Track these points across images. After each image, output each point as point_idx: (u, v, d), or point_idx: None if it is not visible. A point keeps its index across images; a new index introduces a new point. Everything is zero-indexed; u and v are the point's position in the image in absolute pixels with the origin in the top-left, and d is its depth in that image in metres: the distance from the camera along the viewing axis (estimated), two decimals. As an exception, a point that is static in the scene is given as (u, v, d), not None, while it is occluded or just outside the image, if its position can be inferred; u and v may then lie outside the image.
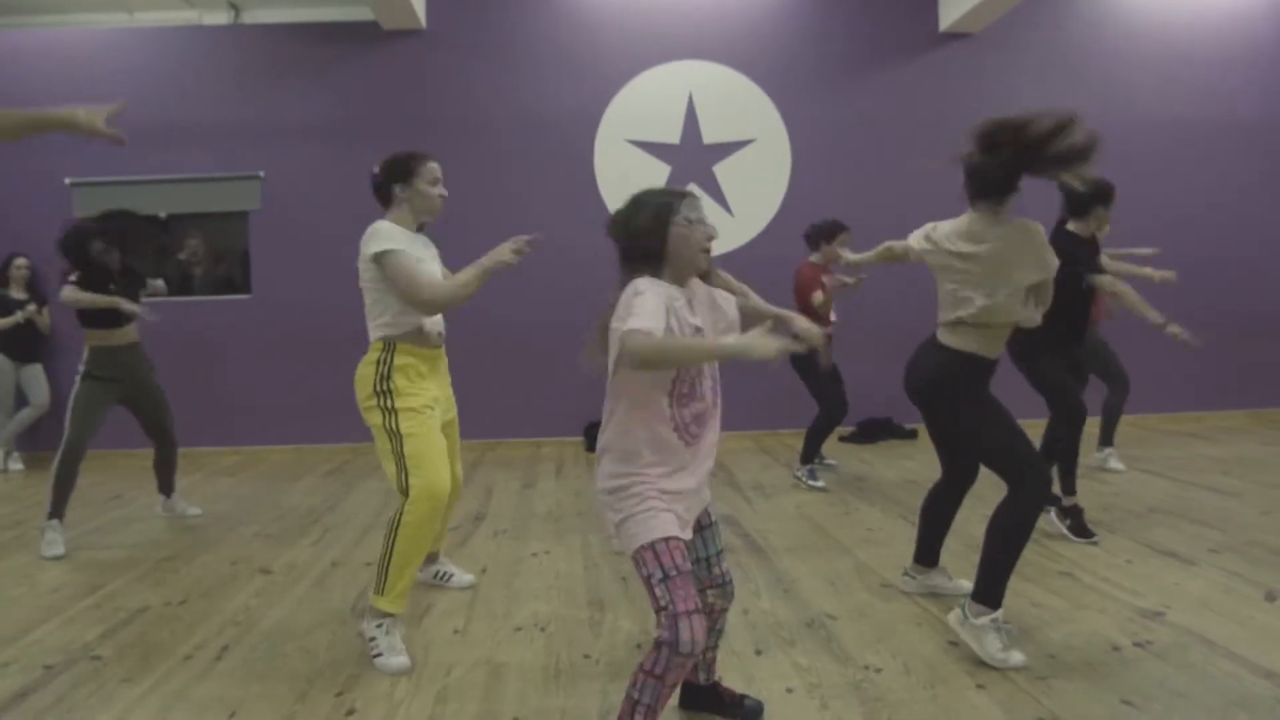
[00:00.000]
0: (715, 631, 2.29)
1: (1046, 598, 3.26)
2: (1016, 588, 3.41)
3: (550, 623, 3.17)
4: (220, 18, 7.58)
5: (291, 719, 2.47)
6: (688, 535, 2.01)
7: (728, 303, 2.20)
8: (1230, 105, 7.70)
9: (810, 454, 5.29)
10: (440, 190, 3.07)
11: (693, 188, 7.34)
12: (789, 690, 2.57)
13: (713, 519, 2.18)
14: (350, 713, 2.50)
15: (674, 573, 1.89)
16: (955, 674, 2.65)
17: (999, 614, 2.73)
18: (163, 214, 7.48)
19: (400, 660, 2.78)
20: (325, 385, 6.82)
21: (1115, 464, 5.50)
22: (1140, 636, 2.87)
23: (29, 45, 7.33)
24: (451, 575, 3.56)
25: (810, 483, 5.25)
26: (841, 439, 6.93)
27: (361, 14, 7.28)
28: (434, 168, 3.06)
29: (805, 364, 5.12)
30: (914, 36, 7.53)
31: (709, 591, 2.15)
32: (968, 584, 3.03)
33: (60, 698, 2.64)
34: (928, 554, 3.33)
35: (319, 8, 7.54)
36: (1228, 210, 7.70)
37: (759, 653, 2.86)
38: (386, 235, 2.89)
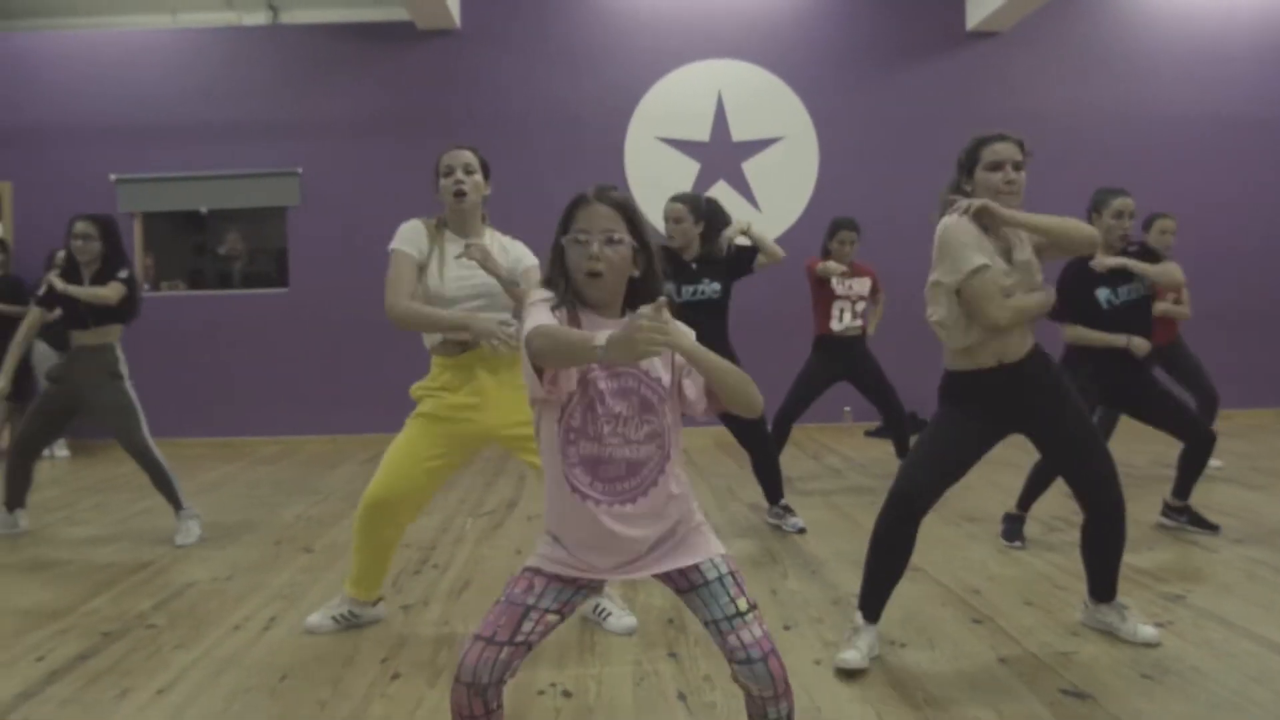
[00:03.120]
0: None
1: (1071, 581, 3.33)
2: (1042, 569, 3.49)
3: (586, 599, 3.26)
4: (259, 18, 7.77)
5: (339, 681, 2.58)
6: (597, 574, 1.71)
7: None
8: (1261, 102, 7.70)
9: (903, 450, 5.22)
10: (449, 181, 2.83)
11: (721, 184, 7.50)
12: (816, 662, 2.66)
13: (706, 577, 1.70)
14: (395, 677, 2.61)
15: (503, 599, 1.65)
16: (979, 649, 2.73)
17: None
18: (203, 209, 7.69)
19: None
20: (362, 377, 7.00)
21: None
22: (1161, 617, 2.93)
23: (75, 46, 7.55)
24: (609, 615, 2.98)
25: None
26: (868, 433, 6.99)
27: (397, 14, 7.44)
28: (446, 159, 2.86)
29: (864, 372, 5.17)
30: (941, 35, 7.59)
31: (732, 665, 1.66)
32: (1149, 630, 2.75)
33: (118, 661, 2.77)
34: (1094, 587, 2.86)
35: (355, 8, 7.71)
36: (1258, 206, 7.70)
37: (787, 628, 2.95)
38: (400, 232, 2.83)
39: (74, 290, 4.13)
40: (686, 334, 1.65)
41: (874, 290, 5.20)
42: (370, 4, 7.67)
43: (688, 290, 4.08)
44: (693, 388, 1.72)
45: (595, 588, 1.78)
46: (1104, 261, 3.77)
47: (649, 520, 1.69)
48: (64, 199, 7.36)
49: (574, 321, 1.67)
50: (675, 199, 4.18)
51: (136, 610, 3.26)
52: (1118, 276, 3.78)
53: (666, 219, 4.15)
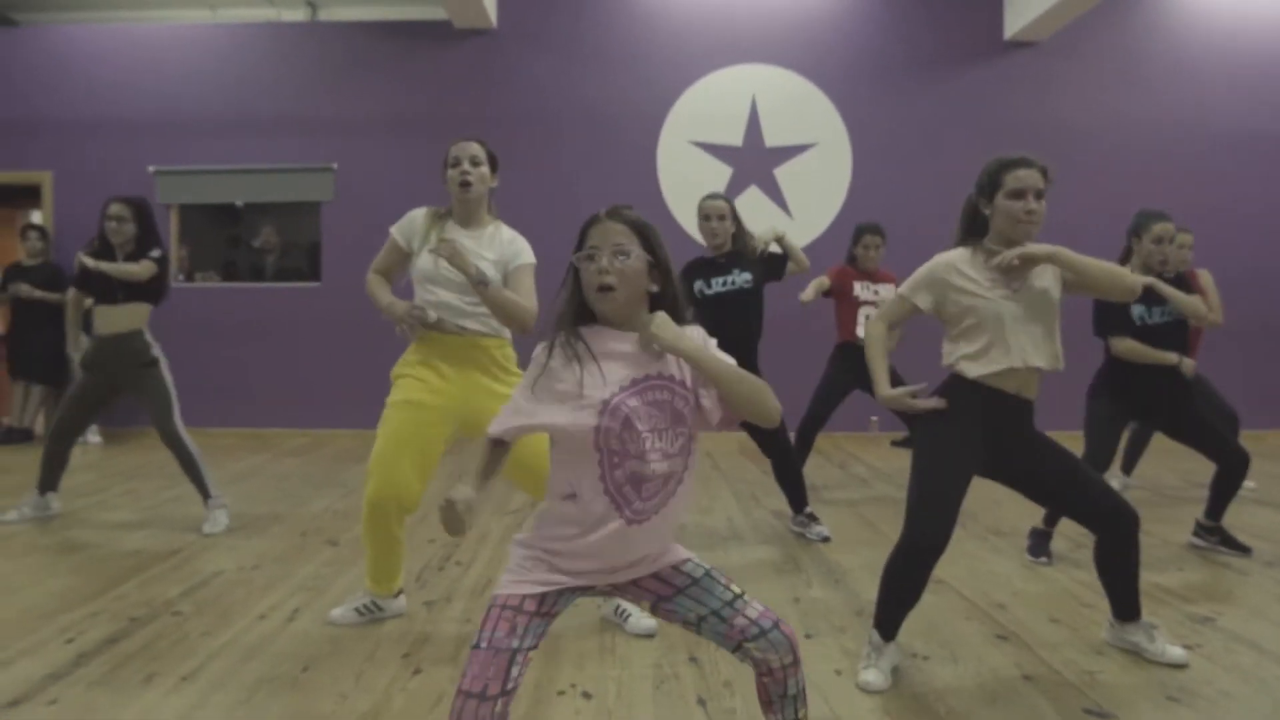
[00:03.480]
0: (784, 699, 1.72)
1: (1097, 599, 3.29)
2: (1069, 587, 3.45)
3: (606, 601, 3.27)
4: (298, 15, 7.85)
5: (361, 675, 2.60)
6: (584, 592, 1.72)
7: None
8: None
9: None
10: (455, 172, 2.91)
11: (753, 189, 7.49)
12: (837, 672, 2.65)
13: (693, 576, 1.72)
14: (417, 672, 2.63)
15: (484, 644, 1.57)
16: (1003, 665, 2.71)
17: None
18: (239, 202, 7.78)
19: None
20: (390, 373, 7.04)
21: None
22: (1190, 639, 2.89)
23: (116, 39, 7.66)
24: (630, 616, 3.00)
25: None
26: (894, 443, 6.95)
27: (434, 13, 7.49)
28: (454, 150, 2.94)
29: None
30: (978, 44, 7.53)
31: (746, 646, 1.67)
32: (1177, 651, 2.71)
33: (146, 645, 2.81)
34: (1116, 607, 2.81)
35: (393, 6, 7.78)
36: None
37: (809, 636, 2.94)
38: (401, 220, 3.02)
39: (105, 266, 4.20)
40: (693, 338, 1.65)
41: None
42: (408, 2, 7.73)
43: (718, 282, 4.09)
44: (708, 397, 1.70)
45: (562, 608, 1.71)
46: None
47: (667, 530, 1.71)
48: (103, 190, 7.42)
49: (575, 348, 1.66)
50: (716, 196, 4.21)
51: (164, 597, 3.30)
52: (1152, 296, 3.74)
53: (709, 216, 4.14)
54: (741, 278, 4.11)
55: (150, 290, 4.33)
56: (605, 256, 1.63)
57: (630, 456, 1.62)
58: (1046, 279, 2.59)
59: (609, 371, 1.63)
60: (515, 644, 1.57)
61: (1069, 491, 2.64)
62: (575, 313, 1.70)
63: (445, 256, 2.73)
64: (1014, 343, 2.53)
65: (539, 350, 1.69)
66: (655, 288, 1.70)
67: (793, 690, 1.70)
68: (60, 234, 7.37)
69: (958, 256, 2.63)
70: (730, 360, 1.68)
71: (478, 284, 2.75)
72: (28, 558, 3.83)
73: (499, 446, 1.73)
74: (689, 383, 1.69)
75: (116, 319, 4.31)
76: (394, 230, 3.01)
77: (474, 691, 1.51)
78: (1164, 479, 5.55)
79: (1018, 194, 2.52)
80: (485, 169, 2.95)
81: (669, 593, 1.71)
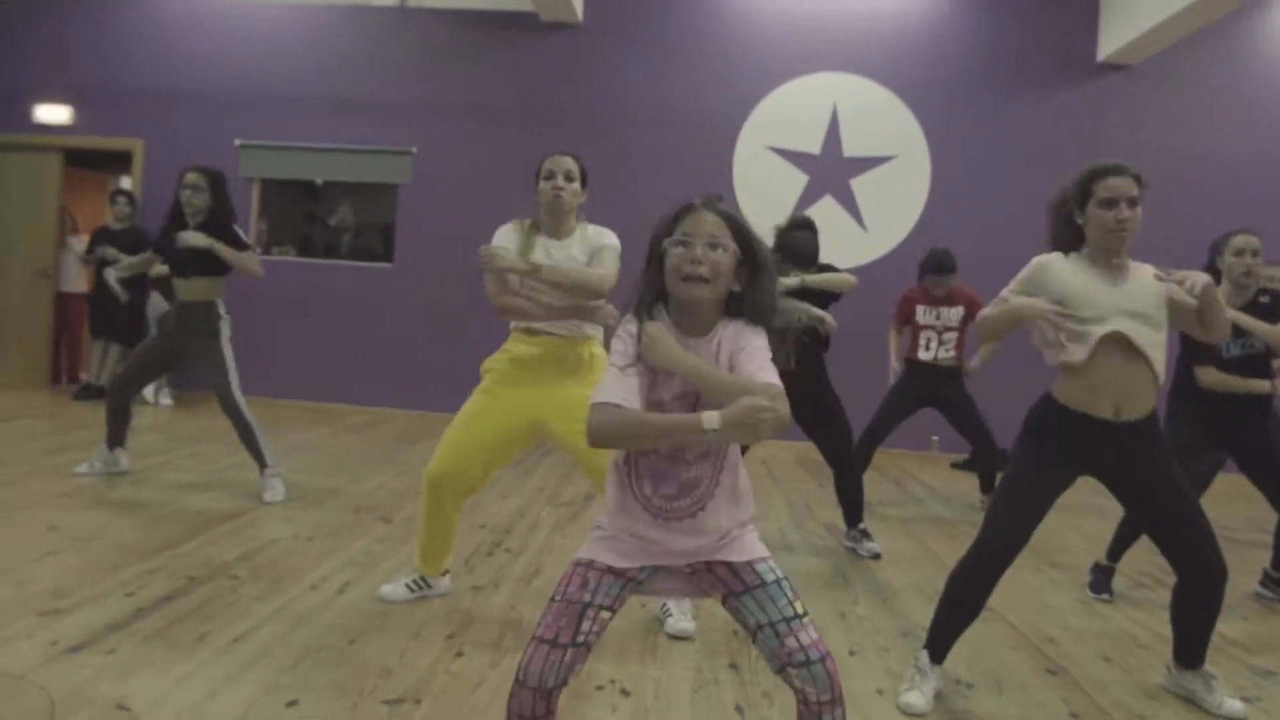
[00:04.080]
0: None
1: (1154, 640, 3.20)
2: (1125, 627, 3.36)
3: (649, 599, 3.27)
4: (389, 0, 7.98)
5: (405, 653, 2.64)
6: (631, 564, 1.69)
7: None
8: None
9: (988, 486, 5.26)
10: (549, 185, 2.96)
11: (827, 199, 7.42)
12: (879, 692, 2.61)
13: (763, 578, 1.67)
14: (459, 655, 2.66)
15: (558, 597, 1.64)
16: (1049, 699, 2.64)
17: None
18: (319, 180, 7.94)
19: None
20: (453, 357, 7.08)
21: None
22: (1249, 692, 2.79)
23: (211, 14, 7.87)
24: (670, 614, 3.02)
25: None
26: (954, 465, 6.84)
27: (522, 4, 7.54)
28: (548, 164, 2.99)
29: (954, 405, 5.12)
30: (1069, 64, 7.35)
31: (789, 670, 1.62)
32: (1235, 703, 2.61)
33: (201, 605, 2.89)
34: (1180, 651, 2.72)
35: (482, -4, 7.87)
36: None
37: (852, 653, 2.90)
38: (495, 236, 3.01)
39: (220, 250, 4.32)
40: (683, 355, 1.61)
41: (966, 319, 5.05)
42: (497, -7, 7.82)
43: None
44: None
45: (643, 581, 1.72)
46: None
47: (702, 536, 1.68)
48: (191, 159, 7.60)
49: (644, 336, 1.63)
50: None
51: (221, 559, 3.38)
52: (1234, 328, 3.62)
53: None
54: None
55: (220, 264, 4.42)
56: (700, 246, 1.62)
57: (649, 454, 1.66)
58: (1148, 288, 2.51)
59: (668, 387, 1.65)
60: (587, 598, 1.63)
61: (1167, 528, 2.56)
62: (654, 298, 1.69)
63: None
64: (1112, 324, 2.44)
65: (627, 330, 1.67)
66: (738, 287, 1.68)
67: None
68: (147, 201, 7.58)
69: (1056, 258, 2.58)
70: (772, 378, 1.60)
71: (530, 273, 2.81)
72: (95, 511, 3.96)
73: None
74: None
75: (193, 289, 4.45)
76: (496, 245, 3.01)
77: (545, 638, 1.60)
78: (1230, 523, 5.37)
79: (1110, 203, 2.46)
80: (577, 184, 3.01)
81: (739, 589, 1.68)
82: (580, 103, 7.51)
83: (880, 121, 7.44)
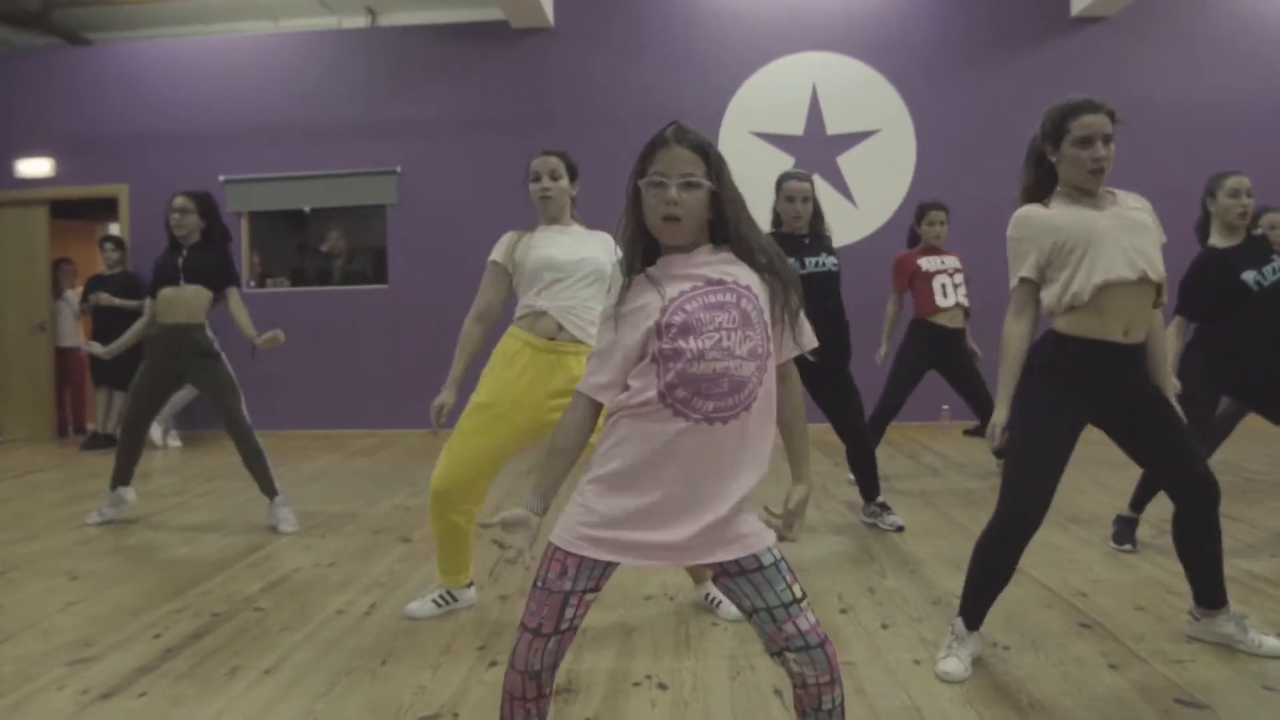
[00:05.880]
0: (818, 713, 1.64)
1: (1184, 586, 3.15)
2: (1154, 575, 3.35)
3: (679, 592, 3.26)
4: (358, 21, 7.98)
5: (438, 668, 2.63)
6: (621, 560, 1.61)
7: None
8: (1394, 87, 7.25)
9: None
10: (537, 186, 3.01)
11: (815, 179, 7.38)
12: (916, 662, 2.60)
13: (761, 561, 1.60)
14: (493, 665, 2.64)
15: (540, 584, 1.61)
16: (1087, 654, 2.63)
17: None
18: (306, 208, 7.93)
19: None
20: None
21: None
22: (1286, 627, 2.78)
23: (184, 53, 7.89)
24: (720, 603, 3.05)
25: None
26: (966, 432, 6.81)
27: (492, 14, 7.54)
28: (534, 165, 3.03)
29: (957, 365, 5.08)
30: (1044, 21, 7.34)
31: (787, 655, 1.60)
32: (1273, 641, 2.59)
33: (228, 640, 2.87)
34: (1199, 592, 2.69)
35: (451, 9, 7.85)
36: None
37: (885, 626, 2.89)
38: (495, 248, 3.09)
39: (242, 323, 4.42)
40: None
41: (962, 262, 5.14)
42: (466, 4, 7.80)
43: (810, 261, 4.00)
44: (774, 335, 1.63)
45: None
46: None
47: (738, 449, 1.58)
48: (177, 199, 7.69)
49: (639, 283, 1.63)
50: (800, 177, 4.09)
51: (244, 593, 3.37)
52: (1260, 255, 3.58)
53: (793, 197, 4.03)
54: (829, 260, 4.05)
55: (212, 275, 4.44)
56: (674, 187, 1.58)
57: (685, 358, 1.54)
58: (1140, 215, 2.50)
59: (675, 286, 1.60)
60: (568, 586, 1.59)
61: (1161, 448, 2.54)
62: (643, 244, 1.66)
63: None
64: (1109, 253, 2.41)
65: (617, 285, 1.66)
66: (711, 215, 1.64)
67: (828, 705, 1.62)
68: (137, 245, 7.57)
69: (1034, 207, 2.55)
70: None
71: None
72: (114, 557, 3.95)
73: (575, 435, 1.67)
74: (759, 295, 1.61)
75: (177, 306, 4.41)
76: (495, 257, 3.07)
77: (529, 626, 1.61)
78: (1252, 464, 5.35)
79: (1086, 141, 2.42)
80: (564, 181, 3.04)
81: (734, 570, 1.60)
82: (558, 107, 7.50)
83: (860, 96, 7.43)
